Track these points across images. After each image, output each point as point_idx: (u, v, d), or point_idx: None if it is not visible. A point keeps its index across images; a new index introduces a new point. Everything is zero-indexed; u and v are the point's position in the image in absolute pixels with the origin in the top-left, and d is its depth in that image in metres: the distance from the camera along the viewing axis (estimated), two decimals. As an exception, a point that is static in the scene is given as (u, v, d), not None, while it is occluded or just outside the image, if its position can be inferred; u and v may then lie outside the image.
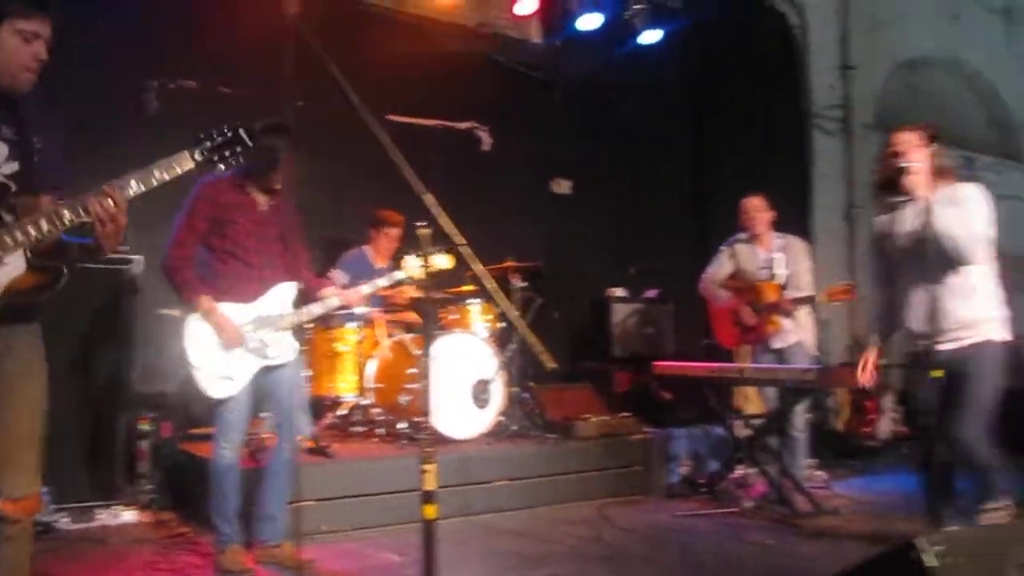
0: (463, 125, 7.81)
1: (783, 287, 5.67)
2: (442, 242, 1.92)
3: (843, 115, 9.84)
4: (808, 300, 5.62)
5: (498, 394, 5.79)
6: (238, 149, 2.50)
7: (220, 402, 3.84)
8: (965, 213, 3.70)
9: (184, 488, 5.02)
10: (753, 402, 6.67)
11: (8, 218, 2.35)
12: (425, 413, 1.84)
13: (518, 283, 6.36)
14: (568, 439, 5.91)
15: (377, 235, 6.28)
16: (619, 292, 7.98)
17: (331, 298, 4.18)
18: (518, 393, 6.28)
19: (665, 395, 7.36)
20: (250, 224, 3.94)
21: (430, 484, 1.84)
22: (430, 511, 1.84)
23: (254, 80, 5.62)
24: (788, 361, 5.64)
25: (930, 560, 2.15)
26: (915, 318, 3.89)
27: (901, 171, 3.86)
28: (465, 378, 5.66)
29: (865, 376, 4.13)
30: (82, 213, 2.33)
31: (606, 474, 5.84)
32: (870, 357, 4.14)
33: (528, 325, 6.36)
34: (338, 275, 6.09)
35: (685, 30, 8.13)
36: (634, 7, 8.00)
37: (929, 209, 3.70)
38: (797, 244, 5.88)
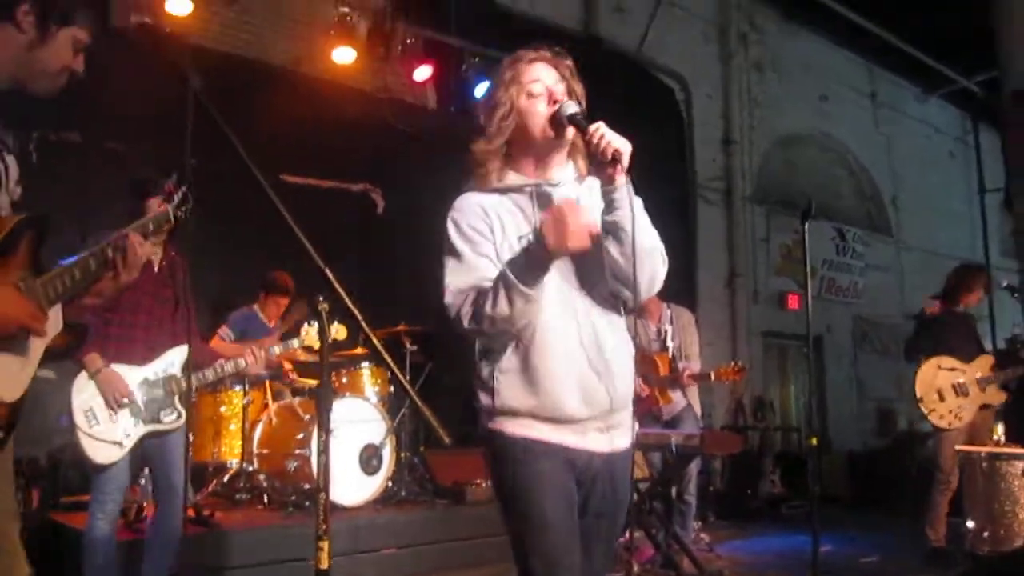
0: (357, 187, 7.83)
1: (673, 359, 5.87)
2: (342, 315, 1.92)
3: (725, 187, 10.32)
4: (703, 378, 5.83)
5: (387, 459, 5.73)
6: (188, 206, 2.53)
7: (101, 468, 3.67)
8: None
9: (55, 561, 4.74)
10: (640, 467, 6.80)
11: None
12: (322, 488, 1.81)
13: (410, 347, 6.36)
14: (459, 504, 5.87)
15: (267, 299, 6.19)
16: (510, 356, 8.03)
17: (228, 362, 4.10)
18: (408, 458, 6.22)
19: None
20: (146, 283, 3.78)
21: (324, 562, 1.80)
22: (324, 590, 1.81)
23: (142, 137, 5.51)
24: (676, 427, 5.80)
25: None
26: (561, 383, 2.19)
27: (573, 123, 2.20)
28: (354, 443, 5.58)
29: None
30: (108, 259, 2.23)
31: (497, 540, 5.80)
32: None
33: (419, 390, 6.36)
34: (225, 332, 5.96)
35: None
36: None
37: (615, 194, 2.16)
38: (686, 316, 6.11)
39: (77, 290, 2.20)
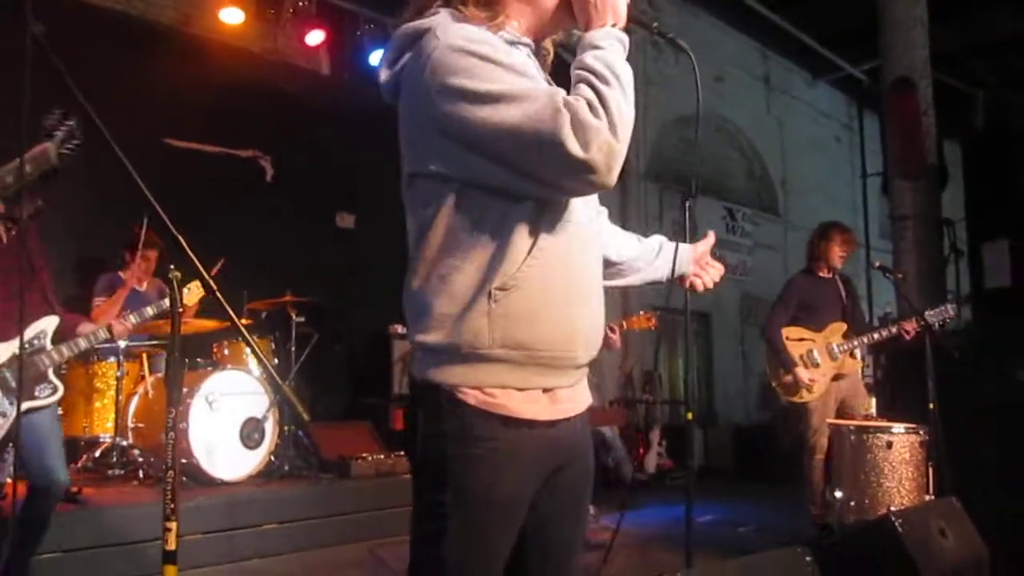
0: (245, 153, 7.58)
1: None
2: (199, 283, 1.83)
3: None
4: (616, 327, 5.75)
5: (270, 433, 5.60)
6: (74, 143, 2.40)
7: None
8: None
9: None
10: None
11: None
12: (170, 467, 1.73)
13: (297, 318, 6.22)
14: (343, 479, 5.79)
15: (133, 258, 5.85)
16: (400, 329, 7.96)
17: (97, 331, 3.90)
18: (292, 432, 6.10)
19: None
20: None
21: (172, 543, 1.73)
22: (171, 572, 1.74)
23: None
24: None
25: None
26: (579, 313, 1.69)
27: None
28: (235, 416, 5.43)
29: None
30: None
31: (381, 514, 5.77)
32: None
33: (305, 361, 6.24)
34: (101, 303, 5.70)
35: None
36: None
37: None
38: None
39: None
